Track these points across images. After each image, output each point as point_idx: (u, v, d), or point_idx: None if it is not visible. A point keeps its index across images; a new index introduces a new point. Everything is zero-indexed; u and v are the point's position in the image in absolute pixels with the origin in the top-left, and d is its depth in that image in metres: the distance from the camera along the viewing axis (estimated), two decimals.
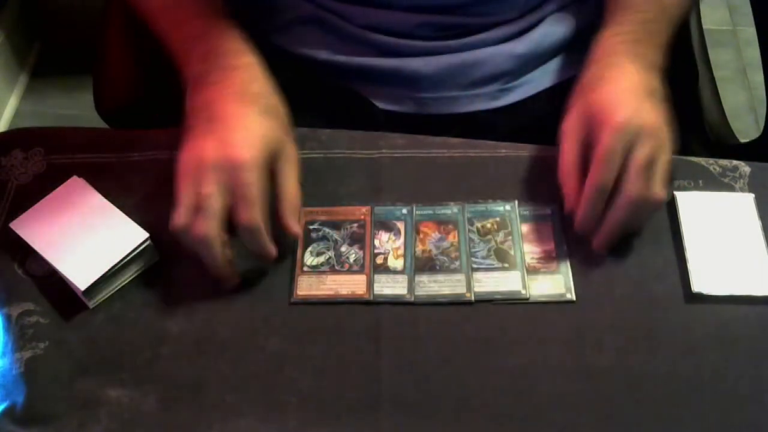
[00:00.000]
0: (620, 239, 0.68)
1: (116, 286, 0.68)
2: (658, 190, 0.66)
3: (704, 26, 1.01)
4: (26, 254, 0.69)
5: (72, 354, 0.65)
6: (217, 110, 0.68)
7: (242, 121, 0.67)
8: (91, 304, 0.67)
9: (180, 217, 0.64)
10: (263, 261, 0.67)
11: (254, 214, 0.64)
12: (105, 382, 0.63)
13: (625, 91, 0.68)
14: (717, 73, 0.99)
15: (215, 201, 0.64)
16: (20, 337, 0.65)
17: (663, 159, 0.67)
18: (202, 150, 0.65)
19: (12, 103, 1.83)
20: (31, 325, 0.66)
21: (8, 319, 0.66)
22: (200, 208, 0.64)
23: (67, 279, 0.66)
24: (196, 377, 0.63)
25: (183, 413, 0.62)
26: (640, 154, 0.65)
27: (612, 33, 0.73)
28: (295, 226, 0.67)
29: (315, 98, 0.86)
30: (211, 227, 0.64)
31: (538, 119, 0.72)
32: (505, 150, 0.75)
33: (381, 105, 0.86)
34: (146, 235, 0.67)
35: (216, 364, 0.64)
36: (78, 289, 0.65)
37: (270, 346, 0.65)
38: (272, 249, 0.66)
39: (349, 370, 0.64)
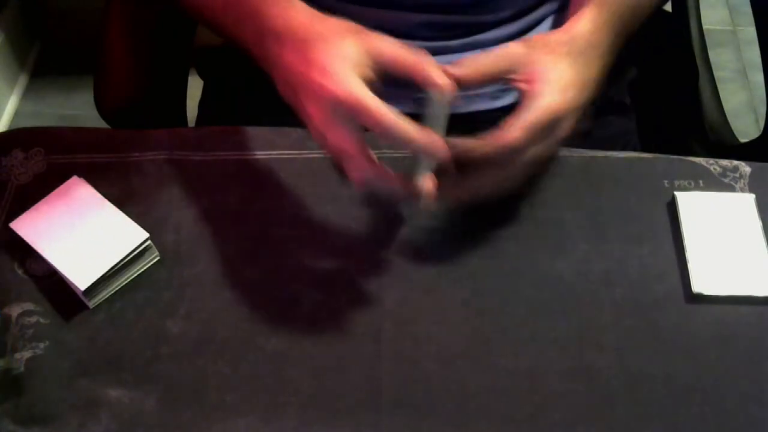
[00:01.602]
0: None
1: (116, 286, 0.68)
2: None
3: (704, 26, 1.01)
4: (26, 254, 0.69)
5: (72, 354, 0.65)
6: (313, 55, 0.64)
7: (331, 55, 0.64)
8: (91, 304, 0.67)
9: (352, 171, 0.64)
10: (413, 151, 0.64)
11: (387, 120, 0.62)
12: (105, 382, 0.63)
13: (571, 77, 0.67)
14: (717, 73, 0.99)
15: (354, 142, 0.63)
16: (20, 337, 0.65)
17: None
18: (306, 112, 0.64)
19: (12, 103, 1.83)
20: (31, 325, 0.66)
21: (8, 319, 0.66)
22: (343, 156, 0.64)
23: (67, 279, 0.66)
24: (196, 377, 0.63)
25: (183, 413, 0.62)
26: (536, 150, 0.65)
27: (583, 14, 0.71)
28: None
29: None
30: (368, 168, 0.64)
31: None
32: None
33: None
34: (146, 235, 0.67)
35: (216, 364, 0.64)
36: (78, 289, 0.65)
37: (270, 346, 0.65)
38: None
39: (349, 370, 0.64)
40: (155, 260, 0.69)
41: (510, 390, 0.63)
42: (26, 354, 0.64)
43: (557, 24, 0.85)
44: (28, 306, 0.67)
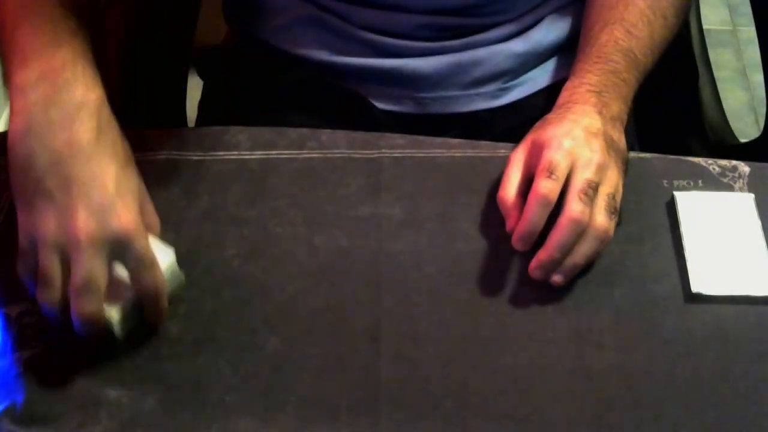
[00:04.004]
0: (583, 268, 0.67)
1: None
2: (600, 219, 0.64)
3: (704, 26, 1.01)
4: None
5: (72, 354, 0.64)
6: (75, 171, 0.59)
7: (111, 184, 0.60)
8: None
9: (53, 300, 0.60)
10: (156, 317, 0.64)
11: (157, 276, 0.62)
12: (105, 382, 0.63)
13: (580, 127, 0.67)
14: (717, 73, 1.00)
15: (101, 278, 0.59)
16: (20, 337, 0.65)
17: (605, 190, 0.65)
18: (74, 222, 0.58)
19: None
20: (31, 325, 0.66)
21: (8, 319, 0.66)
22: (82, 287, 0.59)
23: None
24: (196, 377, 0.63)
25: (183, 413, 0.62)
26: (581, 176, 0.65)
27: (580, 82, 0.72)
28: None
29: (315, 98, 0.87)
30: (99, 307, 0.60)
31: (538, 118, 0.73)
32: (505, 150, 0.75)
33: (380, 105, 0.86)
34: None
35: (216, 364, 0.64)
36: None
37: (270, 346, 0.65)
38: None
39: (349, 370, 0.64)
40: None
41: (510, 390, 0.63)
42: (26, 354, 0.64)
43: (556, 23, 0.85)
44: (28, 306, 0.67)
